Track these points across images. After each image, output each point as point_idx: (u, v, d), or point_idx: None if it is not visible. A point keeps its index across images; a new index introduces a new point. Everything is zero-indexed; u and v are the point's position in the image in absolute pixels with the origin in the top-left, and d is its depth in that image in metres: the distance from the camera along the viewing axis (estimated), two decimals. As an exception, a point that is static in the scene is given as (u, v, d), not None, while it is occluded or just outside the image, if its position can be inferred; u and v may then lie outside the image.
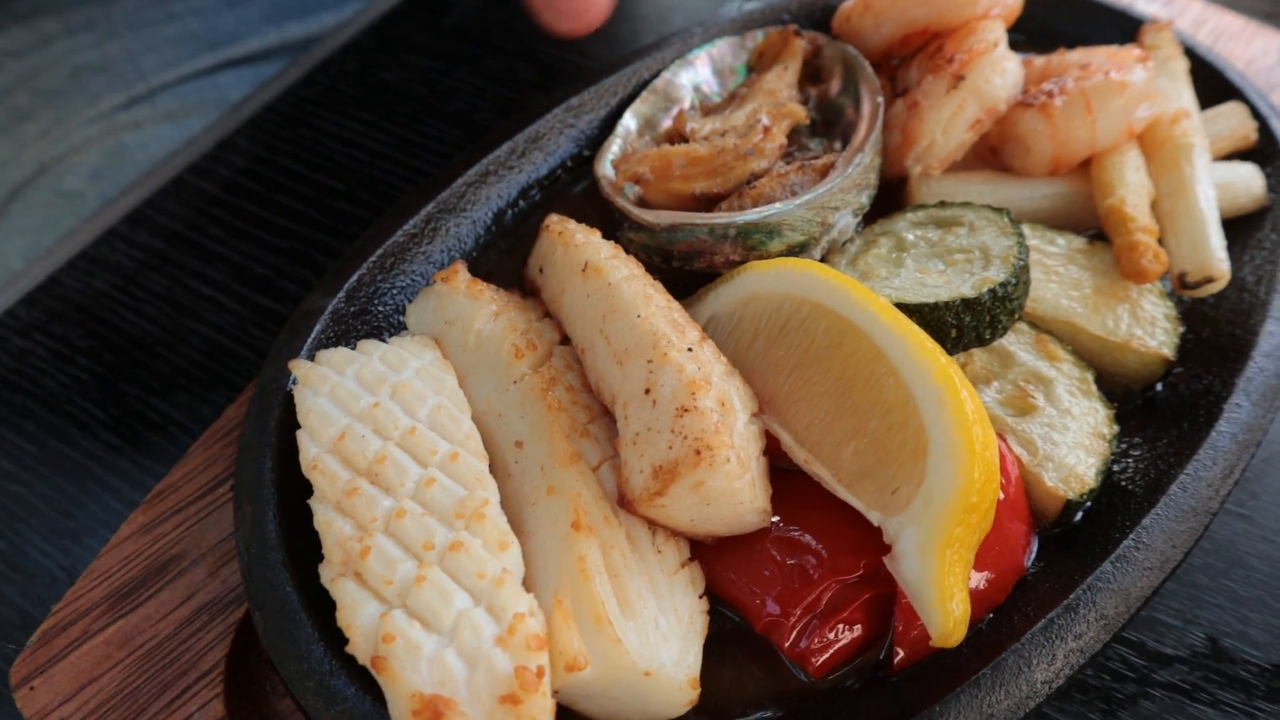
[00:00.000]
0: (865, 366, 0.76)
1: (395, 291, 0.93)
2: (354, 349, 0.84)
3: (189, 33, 1.50)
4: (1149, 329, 0.91)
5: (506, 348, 0.81)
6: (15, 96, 1.53)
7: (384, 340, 0.88)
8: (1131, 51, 1.07)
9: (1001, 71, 1.00)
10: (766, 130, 0.98)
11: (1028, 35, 1.25)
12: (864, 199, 0.95)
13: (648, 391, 0.72)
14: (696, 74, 1.13)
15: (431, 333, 0.86)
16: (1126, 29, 1.20)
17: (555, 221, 0.91)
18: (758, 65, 1.14)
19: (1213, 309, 0.95)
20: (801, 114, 1.00)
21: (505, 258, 1.00)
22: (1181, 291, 0.94)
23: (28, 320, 1.08)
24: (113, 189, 1.39)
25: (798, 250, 0.91)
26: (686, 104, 1.10)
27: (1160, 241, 0.95)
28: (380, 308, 0.92)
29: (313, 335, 0.86)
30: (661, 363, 0.73)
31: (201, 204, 1.15)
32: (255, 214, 1.14)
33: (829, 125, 1.10)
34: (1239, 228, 1.01)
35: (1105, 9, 1.22)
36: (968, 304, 0.84)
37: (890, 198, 1.05)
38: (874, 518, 0.73)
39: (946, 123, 1.00)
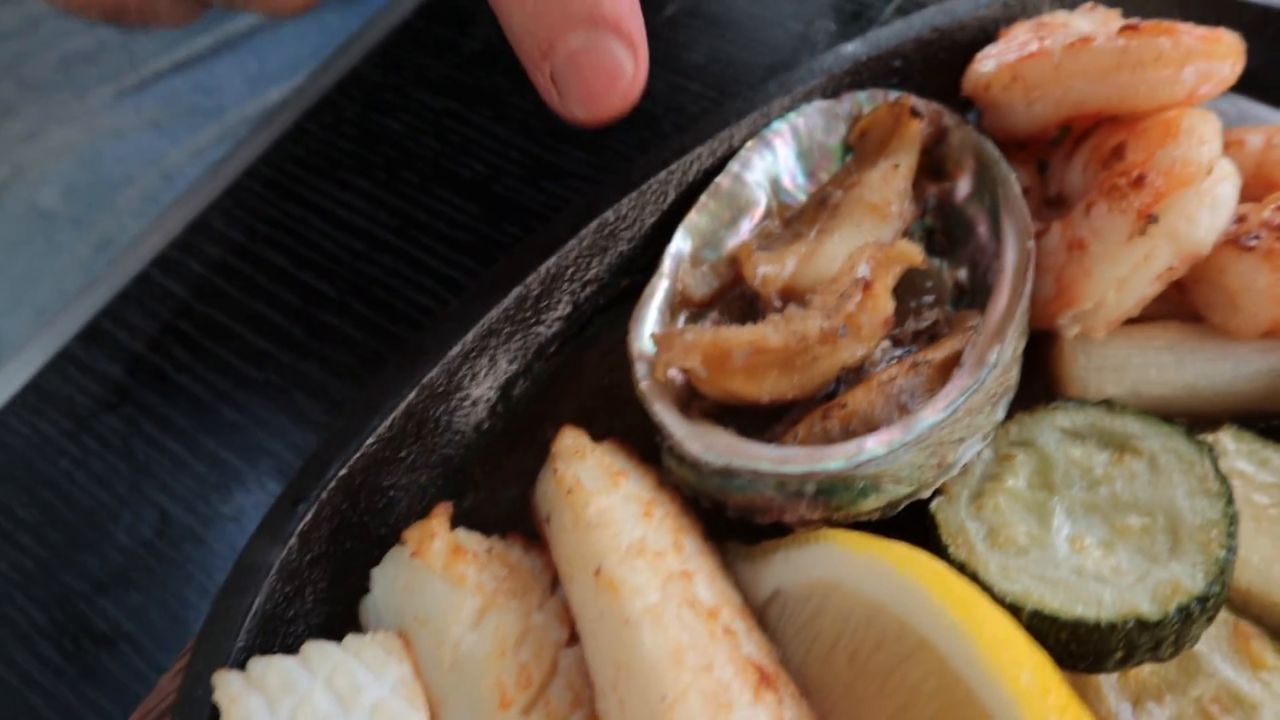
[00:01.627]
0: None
1: (365, 521, 0.72)
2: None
3: None
4: (1404, 622, 0.64)
5: (489, 685, 0.59)
6: (1, 87, 1.36)
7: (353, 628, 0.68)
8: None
9: (1213, 205, 0.70)
10: (867, 288, 0.70)
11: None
12: (999, 413, 0.68)
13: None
14: (775, 160, 0.84)
15: (401, 623, 0.65)
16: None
17: (565, 451, 0.67)
18: (858, 147, 0.84)
19: None
20: (917, 257, 0.72)
21: (516, 448, 0.78)
22: None
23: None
24: (84, 210, 1.22)
25: (900, 504, 0.66)
26: (759, 212, 0.83)
27: None
28: (347, 545, 0.71)
29: (253, 610, 0.67)
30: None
31: (168, 314, 0.95)
32: (227, 328, 0.93)
33: (951, 240, 0.81)
34: None
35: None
36: (1144, 626, 0.59)
37: (1029, 351, 0.77)
38: None
39: (1125, 278, 0.71)
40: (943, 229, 0.82)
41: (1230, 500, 0.62)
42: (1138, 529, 0.63)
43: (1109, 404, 0.69)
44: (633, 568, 0.59)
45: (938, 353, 0.68)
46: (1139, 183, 0.70)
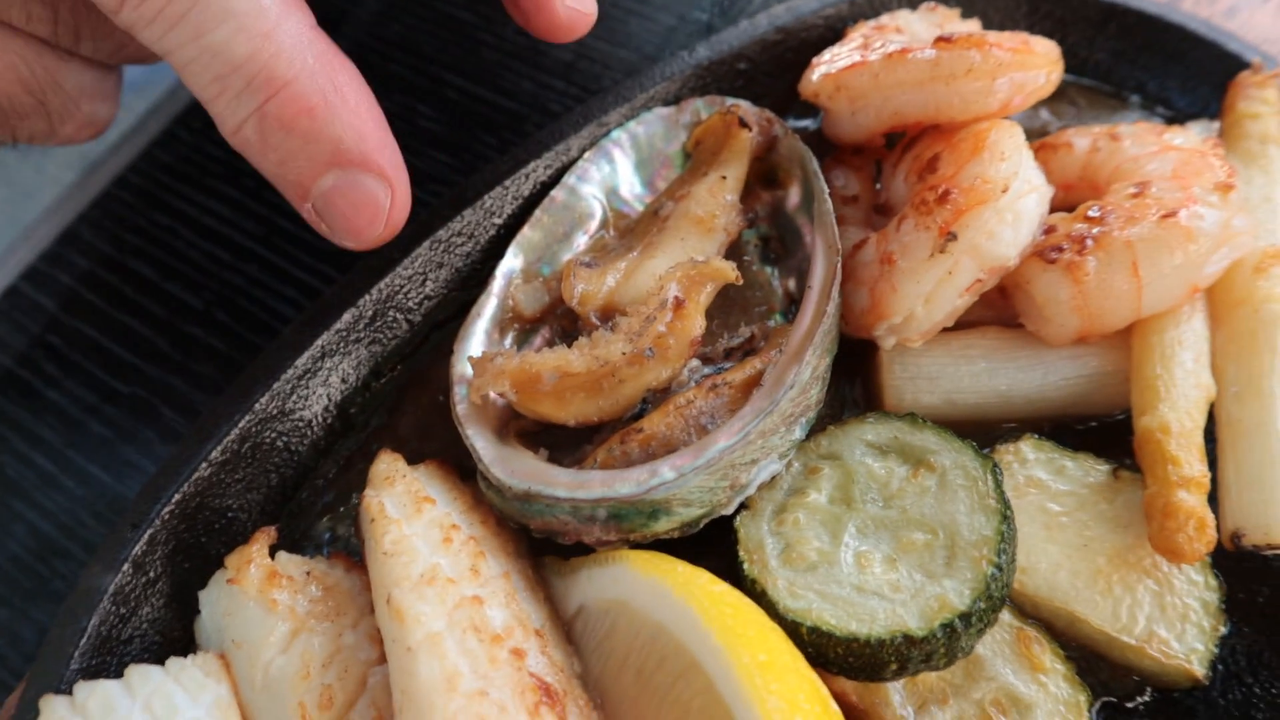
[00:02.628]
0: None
1: (204, 543, 0.75)
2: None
3: None
4: (1176, 627, 0.67)
5: (293, 706, 0.62)
6: None
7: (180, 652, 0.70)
8: (1204, 155, 0.75)
9: (1014, 220, 0.71)
10: (678, 307, 0.72)
11: (1078, 72, 0.92)
12: (797, 433, 0.70)
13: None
14: (614, 170, 0.85)
15: (223, 645, 0.68)
16: (1213, 69, 0.86)
17: (377, 477, 0.69)
18: (695, 155, 0.85)
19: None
20: (730, 274, 0.73)
21: (353, 466, 0.80)
22: (1231, 548, 0.69)
23: None
24: None
25: (698, 523, 0.68)
26: (595, 224, 0.84)
27: (1215, 478, 0.68)
28: (186, 566, 0.74)
29: (86, 636, 0.69)
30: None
31: (36, 328, 0.96)
32: (95, 342, 0.94)
33: (785, 248, 0.83)
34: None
35: (1184, 39, 0.88)
36: (912, 641, 0.61)
37: (856, 361, 0.79)
38: None
39: (930, 294, 0.72)
40: (778, 236, 0.84)
41: (1006, 518, 0.64)
42: (920, 545, 0.65)
43: (912, 418, 0.71)
44: (421, 596, 0.61)
45: (738, 374, 0.70)
46: (943, 198, 0.71)
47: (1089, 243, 0.72)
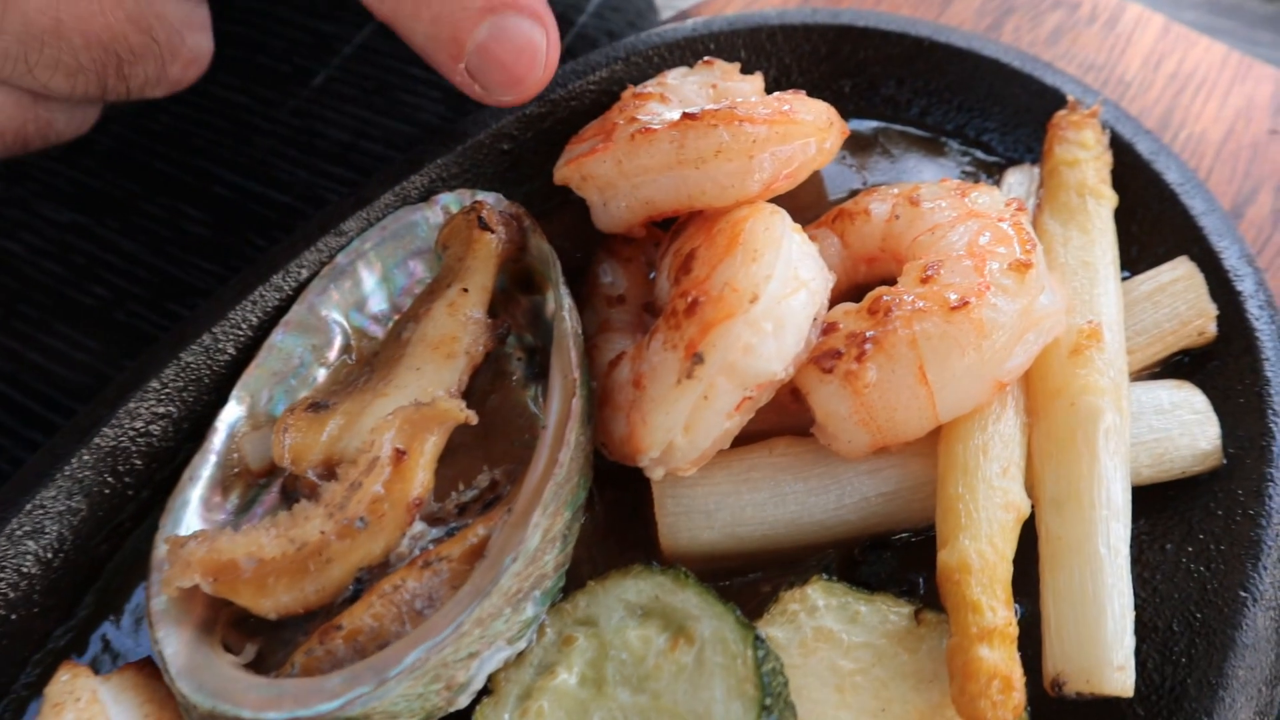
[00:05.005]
0: None
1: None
2: None
3: None
4: (992, 806, 0.56)
5: None
6: None
7: None
8: (1005, 223, 0.64)
9: (775, 329, 0.60)
10: (398, 462, 0.61)
11: (890, 119, 0.82)
12: (529, 611, 0.58)
13: None
14: (357, 286, 0.74)
15: None
16: (1033, 106, 0.76)
17: (48, 703, 0.59)
18: (444, 262, 0.74)
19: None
20: (459, 415, 0.62)
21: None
22: (1054, 694, 0.58)
23: None
24: None
25: (419, 732, 0.57)
26: (334, 353, 0.73)
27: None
28: None
29: None
30: None
31: None
32: None
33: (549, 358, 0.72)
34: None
35: (998, 74, 0.77)
36: None
37: (636, 484, 0.68)
38: None
39: (689, 422, 0.61)
40: (544, 346, 0.73)
41: (766, 708, 0.53)
42: (671, 741, 0.55)
43: (676, 572, 0.60)
44: None
45: (457, 545, 0.59)
46: (691, 310, 0.61)
47: (868, 346, 0.61)
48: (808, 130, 0.66)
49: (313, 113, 0.98)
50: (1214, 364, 0.70)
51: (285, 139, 0.96)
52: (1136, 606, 0.62)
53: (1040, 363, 0.64)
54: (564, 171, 0.70)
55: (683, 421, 0.61)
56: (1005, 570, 0.58)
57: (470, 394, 0.70)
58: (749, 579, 0.66)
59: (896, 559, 0.67)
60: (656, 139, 0.65)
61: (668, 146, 0.64)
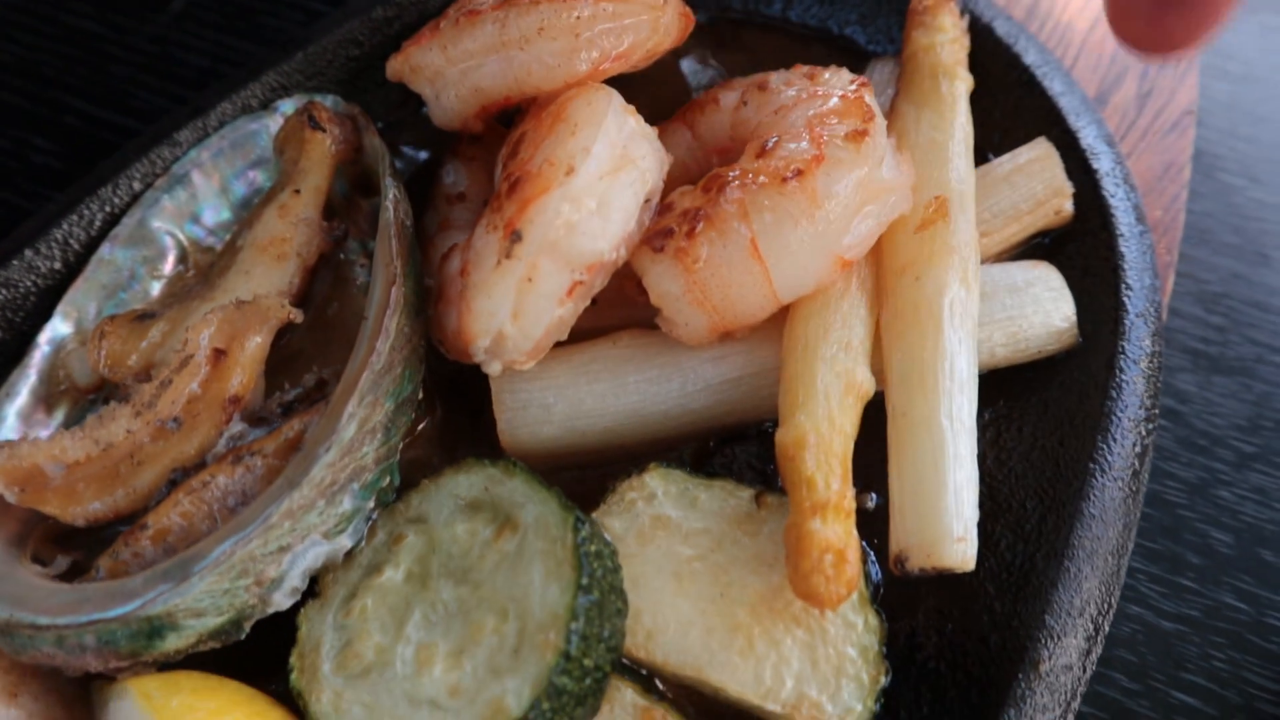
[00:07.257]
0: None
1: None
2: None
3: None
4: (830, 684, 0.54)
5: None
6: None
7: None
8: (851, 99, 0.62)
9: (600, 206, 0.57)
10: (217, 359, 0.58)
11: (753, 18, 0.79)
12: (346, 504, 0.56)
13: None
14: (194, 197, 0.71)
15: None
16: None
17: None
18: (281, 167, 0.71)
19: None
20: (282, 312, 0.60)
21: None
22: (898, 573, 0.56)
23: None
24: None
25: (242, 628, 0.54)
26: (169, 264, 0.70)
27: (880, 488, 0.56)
28: None
29: None
30: None
31: None
32: None
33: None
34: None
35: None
36: (460, 765, 0.48)
37: (479, 384, 0.66)
38: None
39: (516, 308, 0.59)
40: (389, 253, 0.70)
41: (583, 587, 0.51)
42: (489, 631, 0.52)
43: (507, 463, 0.58)
44: None
45: (272, 440, 0.57)
46: (513, 189, 0.58)
47: (699, 223, 0.59)
48: (638, 8, 0.63)
49: (172, 39, 0.94)
50: (1073, 245, 0.68)
51: (142, 66, 0.92)
52: (993, 488, 0.61)
53: (887, 240, 0.62)
54: (393, 65, 0.67)
55: (509, 307, 0.58)
56: (843, 445, 0.56)
57: (310, 300, 0.68)
58: (600, 473, 0.64)
59: (754, 450, 0.65)
60: (480, 20, 0.62)
61: (491, 28, 0.61)
